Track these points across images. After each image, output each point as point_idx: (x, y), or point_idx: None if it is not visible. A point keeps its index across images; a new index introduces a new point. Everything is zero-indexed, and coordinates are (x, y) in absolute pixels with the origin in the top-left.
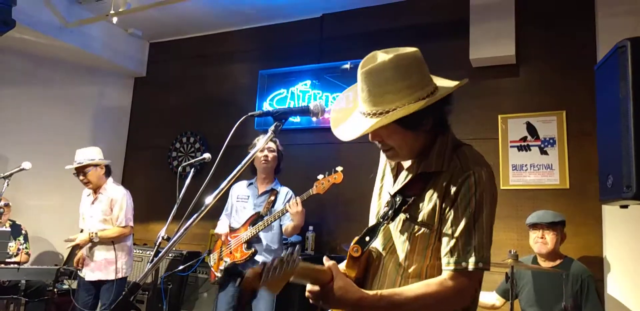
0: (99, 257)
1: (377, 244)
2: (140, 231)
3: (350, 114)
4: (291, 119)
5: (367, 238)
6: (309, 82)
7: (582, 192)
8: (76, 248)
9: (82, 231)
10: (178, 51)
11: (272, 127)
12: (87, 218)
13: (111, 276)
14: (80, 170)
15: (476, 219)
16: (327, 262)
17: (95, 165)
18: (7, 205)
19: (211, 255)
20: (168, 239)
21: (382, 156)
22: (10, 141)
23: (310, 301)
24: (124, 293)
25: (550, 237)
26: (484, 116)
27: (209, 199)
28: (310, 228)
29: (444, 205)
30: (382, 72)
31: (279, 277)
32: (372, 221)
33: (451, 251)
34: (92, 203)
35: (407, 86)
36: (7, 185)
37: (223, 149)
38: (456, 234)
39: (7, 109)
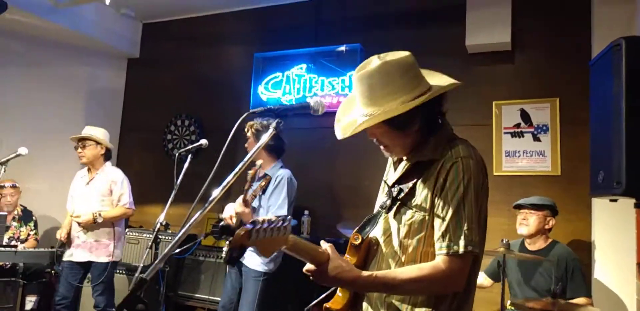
0: (90, 238)
1: (377, 232)
2: (135, 213)
3: (350, 112)
4: (285, 102)
5: (367, 227)
6: (304, 66)
7: (573, 179)
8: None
9: (72, 213)
10: (172, 32)
11: (274, 124)
12: (79, 199)
13: (102, 259)
14: (82, 142)
15: (464, 204)
16: (324, 244)
17: (98, 143)
18: (14, 186)
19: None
20: (167, 225)
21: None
22: (3, 124)
23: (310, 277)
24: (131, 288)
25: (532, 219)
26: (478, 102)
27: (215, 192)
28: (306, 212)
29: (434, 192)
30: (369, 79)
31: (267, 240)
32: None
33: (443, 236)
34: (88, 183)
35: (391, 91)
36: (5, 171)
37: (224, 148)
38: (446, 219)
39: (1, 91)
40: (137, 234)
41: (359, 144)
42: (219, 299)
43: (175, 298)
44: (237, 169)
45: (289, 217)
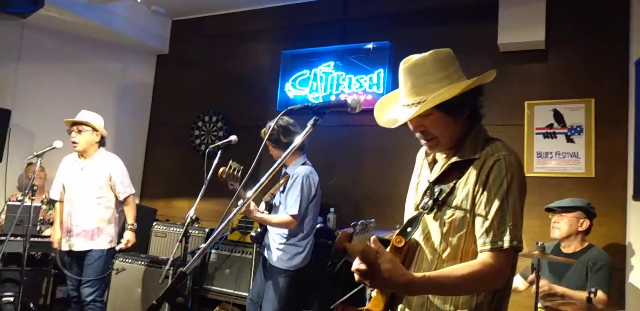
0: (90, 226)
1: (417, 233)
2: (162, 207)
3: (389, 108)
4: (312, 99)
5: (409, 229)
6: (332, 63)
7: (608, 181)
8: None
9: (58, 202)
10: (201, 29)
11: (312, 122)
12: (74, 186)
13: (102, 246)
14: (77, 127)
15: (508, 200)
16: (374, 243)
17: (94, 129)
18: (41, 169)
19: None
20: (196, 219)
21: (418, 155)
22: (37, 118)
23: (356, 278)
24: (171, 281)
25: (563, 222)
26: (510, 102)
27: (249, 193)
28: (332, 209)
29: (476, 189)
30: (422, 65)
31: (361, 240)
32: (408, 213)
33: (487, 232)
34: (82, 169)
35: (446, 76)
36: (40, 163)
37: (263, 145)
38: (490, 215)
39: (35, 85)
40: (164, 227)
41: (385, 144)
42: (244, 293)
43: (201, 292)
44: (271, 170)
45: (372, 220)
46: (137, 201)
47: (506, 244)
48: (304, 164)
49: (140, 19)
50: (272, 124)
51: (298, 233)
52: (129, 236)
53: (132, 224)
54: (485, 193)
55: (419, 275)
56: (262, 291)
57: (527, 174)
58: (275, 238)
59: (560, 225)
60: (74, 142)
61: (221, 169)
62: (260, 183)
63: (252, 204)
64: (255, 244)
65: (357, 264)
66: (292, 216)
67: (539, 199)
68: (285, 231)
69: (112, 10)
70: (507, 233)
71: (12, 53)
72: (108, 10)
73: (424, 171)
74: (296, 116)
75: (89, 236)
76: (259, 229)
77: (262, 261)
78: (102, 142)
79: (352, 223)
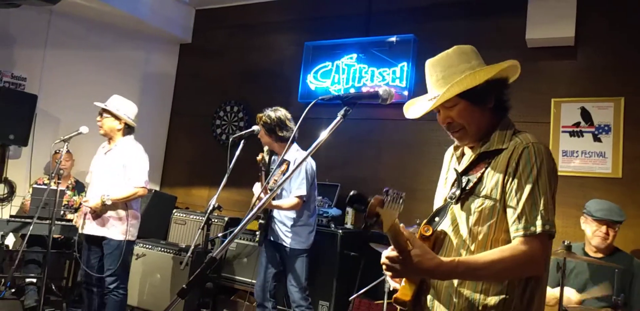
0: (101, 211)
1: (446, 223)
2: (182, 195)
3: (416, 103)
4: (334, 91)
5: (437, 218)
6: (354, 55)
7: (636, 182)
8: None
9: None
10: (224, 19)
11: (342, 112)
12: (96, 172)
13: (114, 236)
14: (102, 112)
15: (539, 186)
16: (403, 231)
17: (116, 117)
18: (68, 151)
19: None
20: (219, 207)
21: (446, 154)
22: (62, 103)
23: (385, 268)
24: (201, 267)
25: (612, 234)
26: (536, 98)
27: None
28: None
29: (506, 177)
30: (447, 59)
31: (390, 212)
32: (437, 206)
33: (519, 218)
34: (106, 153)
35: (469, 67)
36: (67, 148)
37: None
38: (521, 201)
39: (60, 72)
40: (184, 215)
41: (406, 138)
42: None
43: (219, 279)
44: (298, 162)
45: (404, 193)
46: (157, 188)
47: (539, 229)
48: (298, 150)
49: (164, 7)
50: (272, 114)
51: (305, 213)
52: (94, 201)
53: (108, 196)
54: (515, 180)
55: (447, 259)
56: (270, 277)
57: None
58: (286, 222)
59: (610, 237)
60: (99, 126)
61: (260, 155)
62: (287, 175)
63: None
64: (259, 232)
65: (387, 252)
66: (300, 197)
67: (562, 198)
68: (294, 214)
69: None
70: (539, 217)
71: (40, 39)
72: None
73: (452, 165)
74: (317, 106)
75: (100, 223)
76: (261, 221)
77: (267, 248)
78: (127, 131)
79: (385, 189)
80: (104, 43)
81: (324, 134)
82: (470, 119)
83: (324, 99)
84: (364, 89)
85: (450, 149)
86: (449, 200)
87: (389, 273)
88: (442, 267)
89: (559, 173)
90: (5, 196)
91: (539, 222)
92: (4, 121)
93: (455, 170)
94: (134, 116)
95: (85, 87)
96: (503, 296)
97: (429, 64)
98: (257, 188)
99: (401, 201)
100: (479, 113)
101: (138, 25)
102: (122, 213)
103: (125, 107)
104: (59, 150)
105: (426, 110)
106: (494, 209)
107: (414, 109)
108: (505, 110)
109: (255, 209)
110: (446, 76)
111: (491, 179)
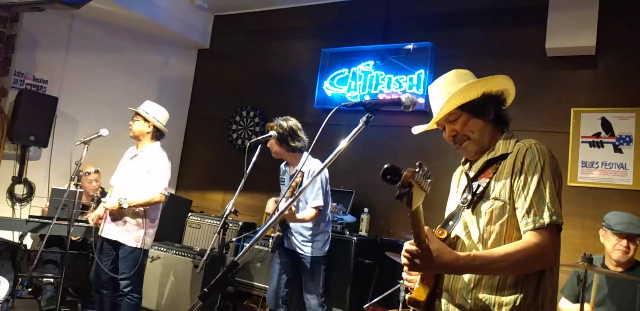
0: (119, 215)
1: (459, 226)
2: (197, 199)
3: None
4: (350, 98)
5: (450, 222)
6: (371, 62)
7: None
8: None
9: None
10: (242, 25)
11: (364, 118)
12: (121, 175)
13: (128, 242)
14: (134, 115)
15: (544, 181)
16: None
17: (145, 120)
18: (97, 171)
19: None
20: (235, 211)
21: (455, 174)
22: (82, 106)
23: (404, 262)
24: (222, 271)
25: (633, 247)
26: (555, 108)
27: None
28: (365, 209)
29: (513, 177)
30: (445, 80)
31: (420, 188)
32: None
33: (527, 212)
34: (132, 158)
35: (466, 85)
36: (87, 150)
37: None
38: (529, 196)
39: (81, 75)
40: (199, 218)
41: (422, 146)
42: None
43: (233, 284)
44: (319, 170)
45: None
46: (173, 191)
47: (546, 220)
48: (309, 160)
49: (183, 13)
50: (284, 123)
51: (321, 220)
52: (111, 202)
53: (125, 200)
54: (522, 177)
55: (464, 253)
56: (283, 283)
57: (569, 184)
58: (302, 231)
59: (631, 250)
60: (130, 129)
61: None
62: (301, 189)
63: (293, 208)
64: (272, 241)
65: (407, 246)
66: (317, 207)
67: (580, 209)
68: (310, 224)
69: (157, 3)
70: (546, 209)
71: (62, 43)
72: (153, 3)
73: (462, 179)
74: (337, 112)
75: (116, 227)
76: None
77: (281, 254)
78: (156, 136)
79: (418, 162)
80: (123, 47)
81: (343, 143)
82: (474, 128)
83: (346, 106)
84: (381, 96)
85: (459, 167)
86: (461, 205)
87: (406, 267)
88: (460, 261)
89: (578, 184)
90: (24, 196)
91: (546, 214)
92: (25, 123)
93: (467, 174)
94: (164, 120)
95: (104, 90)
96: (517, 295)
97: (431, 88)
98: (270, 201)
99: (429, 181)
100: (481, 124)
101: (157, 30)
102: (140, 220)
103: (155, 111)
104: (89, 171)
105: (431, 123)
106: (504, 208)
107: (420, 127)
108: (505, 123)
109: (274, 218)
110: (447, 93)
111: (499, 181)
